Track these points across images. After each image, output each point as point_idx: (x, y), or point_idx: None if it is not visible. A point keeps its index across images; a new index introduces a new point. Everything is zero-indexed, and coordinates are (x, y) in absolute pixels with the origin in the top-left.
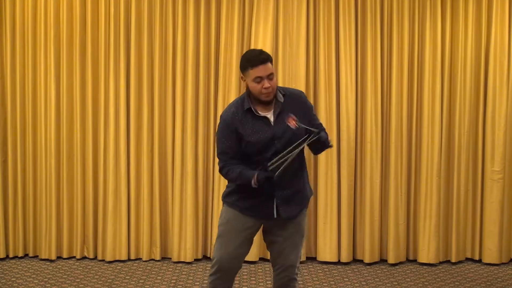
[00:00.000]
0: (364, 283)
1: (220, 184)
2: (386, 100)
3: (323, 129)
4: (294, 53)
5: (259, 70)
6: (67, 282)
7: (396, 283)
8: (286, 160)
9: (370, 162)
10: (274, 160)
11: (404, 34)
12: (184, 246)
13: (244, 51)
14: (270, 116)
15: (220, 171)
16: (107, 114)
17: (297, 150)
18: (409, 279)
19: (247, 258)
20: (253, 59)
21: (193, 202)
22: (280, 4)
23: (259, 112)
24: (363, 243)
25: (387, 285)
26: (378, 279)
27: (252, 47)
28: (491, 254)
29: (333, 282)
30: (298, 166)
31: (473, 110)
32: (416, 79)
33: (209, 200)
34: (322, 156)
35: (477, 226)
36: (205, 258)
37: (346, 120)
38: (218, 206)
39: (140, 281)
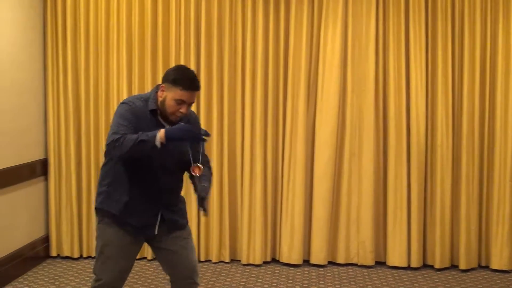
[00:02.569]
0: None
1: (289, 186)
2: (457, 103)
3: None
4: (363, 56)
5: (187, 95)
6: (139, 282)
7: None
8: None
9: (441, 166)
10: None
11: (476, 35)
12: (253, 248)
13: (313, 55)
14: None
15: (114, 142)
16: None
17: None
18: (481, 286)
19: (314, 262)
20: (187, 82)
21: (262, 204)
22: (349, 7)
23: (161, 120)
24: (433, 248)
25: None
26: (448, 285)
27: (321, 51)
28: None
29: (402, 287)
30: (179, 185)
31: None
32: (488, 82)
33: (278, 202)
34: (391, 159)
35: None
36: (274, 260)
37: (416, 124)
38: (286, 208)
39: (210, 283)
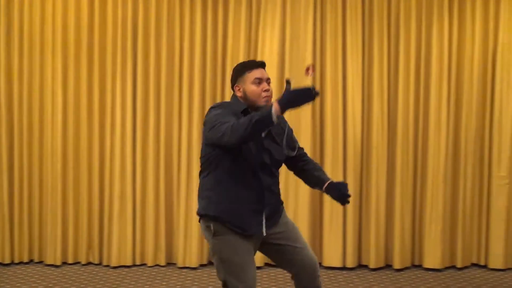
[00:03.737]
0: None
1: None
2: (393, 104)
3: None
4: (301, 57)
5: (258, 72)
6: (72, 287)
7: None
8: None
9: (376, 167)
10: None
11: (410, 39)
12: (190, 251)
13: (251, 55)
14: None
15: (227, 130)
16: (114, 119)
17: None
18: (414, 285)
19: None
20: (250, 63)
21: None
22: (287, 8)
23: None
24: (368, 248)
25: None
26: (383, 285)
27: (259, 52)
28: (497, 259)
29: None
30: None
31: (480, 115)
32: (423, 84)
33: None
34: (328, 161)
35: (483, 231)
36: (210, 263)
37: (352, 126)
38: None
39: (145, 286)
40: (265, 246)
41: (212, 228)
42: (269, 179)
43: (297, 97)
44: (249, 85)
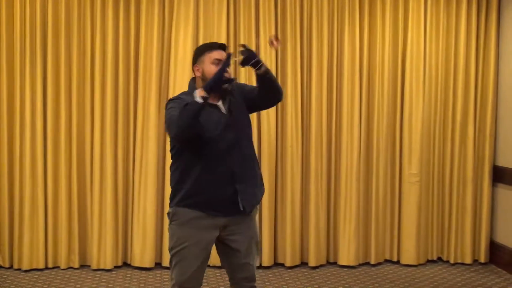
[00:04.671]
0: (286, 286)
1: (141, 189)
2: (306, 103)
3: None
4: None
5: (218, 53)
6: None
7: (316, 286)
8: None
9: (291, 166)
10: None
11: (323, 39)
12: (104, 253)
13: (164, 55)
14: (220, 104)
15: (169, 121)
16: (23, 119)
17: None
18: (329, 282)
19: (167, 264)
20: (211, 44)
21: (112, 208)
22: (200, 8)
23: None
24: (284, 247)
25: None
26: (299, 282)
27: (173, 51)
28: (409, 255)
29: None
30: (252, 163)
31: (391, 114)
32: (336, 84)
33: (129, 205)
34: None
35: (395, 228)
36: (126, 264)
37: (267, 124)
38: (138, 211)
39: None
40: (219, 244)
41: (170, 213)
42: (239, 157)
43: (213, 77)
44: (208, 65)
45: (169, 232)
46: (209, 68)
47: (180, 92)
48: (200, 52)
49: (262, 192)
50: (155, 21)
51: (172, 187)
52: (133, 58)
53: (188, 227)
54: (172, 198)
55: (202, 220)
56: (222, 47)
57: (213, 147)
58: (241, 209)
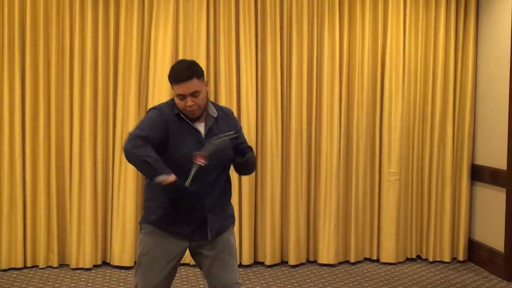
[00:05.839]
0: (265, 285)
1: (120, 188)
2: (286, 103)
3: (251, 151)
4: (195, 54)
5: (181, 88)
6: None
7: (296, 284)
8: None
9: (271, 165)
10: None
11: (303, 39)
12: (83, 252)
13: (144, 54)
14: (202, 128)
15: (132, 148)
16: (1, 118)
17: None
18: (309, 280)
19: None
20: (176, 75)
21: (92, 207)
22: (180, 6)
23: (190, 121)
24: (264, 245)
25: (288, 286)
26: (279, 281)
27: (152, 51)
28: (388, 253)
29: None
30: (226, 187)
31: (370, 113)
32: (315, 83)
33: (108, 204)
34: None
35: (375, 227)
36: (105, 264)
37: (247, 123)
38: (117, 210)
39: None
40: (196, 256)
41: (141, 226)
42: (209, 184)
43: (176, 185)
44: (175, 96)
45: (139, 239)
46: (176, 99)
47: (160, 101)
48: (169, 78)
49: (232, 222)
50: (135, 20)
51: (144, 200)
52: (113, 57)
53: (156, 239)
54: (143, 211)
55: (167, 238)
56: (186, 79)
57: (185, 172)
58: (208, 238)
